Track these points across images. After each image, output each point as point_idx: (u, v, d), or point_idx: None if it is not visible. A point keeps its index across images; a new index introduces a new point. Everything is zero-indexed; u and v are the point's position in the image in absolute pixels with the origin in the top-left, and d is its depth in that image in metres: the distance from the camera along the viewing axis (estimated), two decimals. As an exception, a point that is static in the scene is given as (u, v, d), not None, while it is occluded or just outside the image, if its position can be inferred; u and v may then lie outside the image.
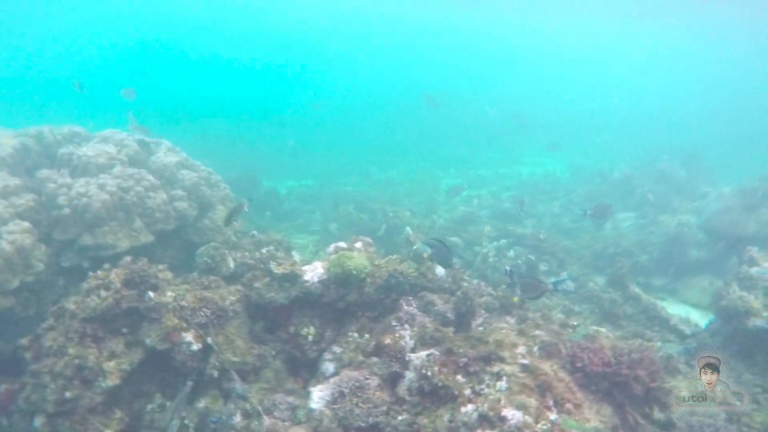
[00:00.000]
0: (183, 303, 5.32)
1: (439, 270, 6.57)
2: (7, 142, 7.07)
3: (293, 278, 5.42)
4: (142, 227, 6.71)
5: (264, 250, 7.66)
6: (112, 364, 4.98)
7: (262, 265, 6.97)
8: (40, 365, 4.94)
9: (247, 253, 7.34)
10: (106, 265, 5.41)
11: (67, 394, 4.78)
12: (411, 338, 5.33)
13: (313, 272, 5.45)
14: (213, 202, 8.23)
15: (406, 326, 5.48)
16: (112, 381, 4.87)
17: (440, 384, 4.45)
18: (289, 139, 24.37)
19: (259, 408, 4.81)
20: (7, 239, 5.62)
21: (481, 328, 5.93)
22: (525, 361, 4.84)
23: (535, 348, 5.07)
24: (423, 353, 4.95)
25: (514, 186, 18.96)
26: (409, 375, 4.80)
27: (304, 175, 22.27)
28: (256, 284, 5.57)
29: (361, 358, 5.15)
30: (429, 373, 4.51)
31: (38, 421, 4.94)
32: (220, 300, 5.53)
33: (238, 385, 5.25)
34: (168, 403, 5.25)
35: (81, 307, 5.06)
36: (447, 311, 6.03)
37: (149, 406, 5.23)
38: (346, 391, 4.61)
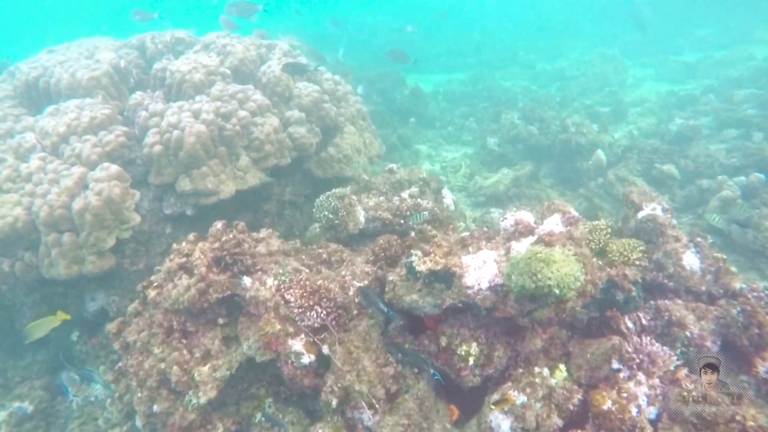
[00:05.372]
0: (288, 296, 3.71)
1: (689, 258, 3.90)
2: (105, 57, 5.86)
3: (448, 279, 3.36)
4: (249, 165, 5.16)
5: (405, 195, 5.69)
6: (205, 370, 3.72)
7: (401, 221, 5.08)
8: (126, 362, 3.92)
9: (382, 199, 5.47)
10: (191, 237, 3.98)
11: (156, 408, 3.72)
12: (649, 401, 3.05)
13: (481, 271, 3.30)
14: (340, 123, 6.33)
15: (640, 375, 3.16)
16: (206, 395, 3.63)
17: None
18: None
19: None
20: (93, 190, 4.50)
21: (775, 377, 3.33)
22: None
23: None
24: (683, 448, 2.69)
25: (748, 78, 13.20)
26: (656, 489, 2.63)
27: (454, 67, 19.18)
28: (392, 277, 3.65)
29: (556, 420, 3.09)
30: None
31: (139, 422, 4.07)
32: (342, 292, 3.80)
33: (366, 416, 3.68)
34: (280, 415, 4.00)
35: (162, 295, 3.78)
36: (705, 338, 3.52)
37: (258, 416, 4.01)
38: (535, 500, 2.67)
